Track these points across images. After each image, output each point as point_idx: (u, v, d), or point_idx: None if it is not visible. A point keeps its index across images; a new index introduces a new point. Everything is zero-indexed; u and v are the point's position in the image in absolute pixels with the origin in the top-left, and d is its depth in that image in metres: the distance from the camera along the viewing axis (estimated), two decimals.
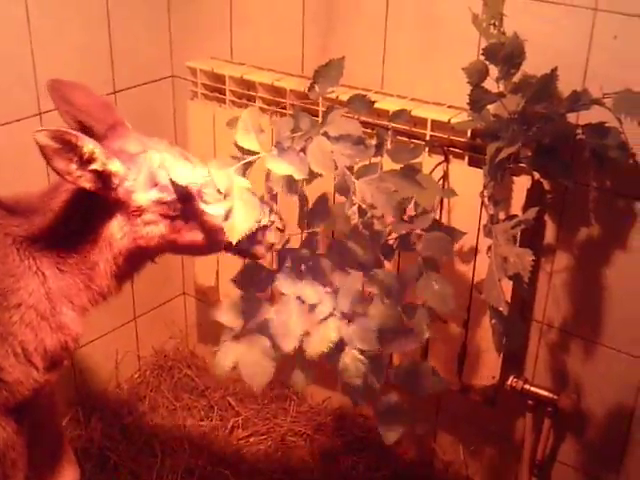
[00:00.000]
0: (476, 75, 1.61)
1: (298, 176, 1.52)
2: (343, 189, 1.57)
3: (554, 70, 1.62)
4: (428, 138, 1.99)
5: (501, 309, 1.57)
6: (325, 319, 1.59)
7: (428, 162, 1.94)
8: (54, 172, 1.49)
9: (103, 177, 1.51)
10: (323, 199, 1.65)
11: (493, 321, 1.62)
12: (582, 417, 2.11)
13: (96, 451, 2.45)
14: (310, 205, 1.66)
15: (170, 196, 1.56)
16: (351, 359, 1.58)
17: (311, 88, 1.68)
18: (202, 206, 1.57)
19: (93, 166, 1.49)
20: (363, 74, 2.17)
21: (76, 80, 1.69)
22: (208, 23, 2.46)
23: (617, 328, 1.99)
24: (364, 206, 1.55)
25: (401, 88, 2.13)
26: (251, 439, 2.56)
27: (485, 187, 1.77)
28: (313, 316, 1.60)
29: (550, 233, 2.02)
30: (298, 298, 1.60)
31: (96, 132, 1.60)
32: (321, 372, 1.62)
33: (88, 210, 1.58)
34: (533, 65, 1.71)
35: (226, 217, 1.48)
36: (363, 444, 2.52)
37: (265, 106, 2.27)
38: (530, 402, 2.14)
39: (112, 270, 1.62)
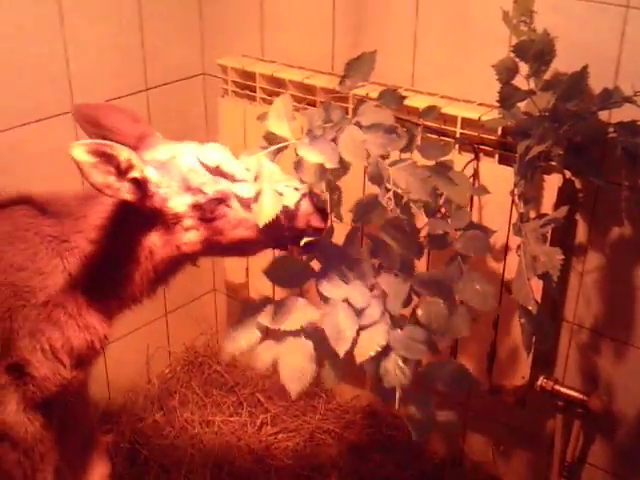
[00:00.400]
0: (506, 72, 1.60)
1: (329, 165, 1.51)
2: (376, 178, 1.54)
3: (585, 67, 1.60)
4: (458, 135, 1.98)
5: (530, 308, 1.56)
6: (374, 323, 1.58)
7: (458, 160, 1.93)
8: (93, 188, 1.48)
9: (141, 186, 1.51)
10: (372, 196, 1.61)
11: (522, 320, 1.61)
12: (612, 419, 2.09)
13: (127, 445, 2.48)
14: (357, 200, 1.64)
15: (205, 197, 1.55)
16: (393, 365, 1.56)
17: (342, 81, 1.68)
18: (224, 211, 1.56)
19: (132, 174, 1.49)
20: (393, 71, 2.17)
21: (106, 103, 1.75)
22: (239, 21, 2.47)
23: None
24: (399, 191, 1.53)
25: (431, 85, 2.12)
26: (280, 436, 2.57)
27: (515, 185, 1.76)
28: (361, 320, 1.58)
29: (581, 232, 2.00)
30: (345, 301, 1.57)
31: (126, 146, 1.59)
32: (350, 370, 1.62)
33: (125, 222, 1.58)
34: (564, 62, 1.70)
35: (255, 199, 1.49)
36: (392, 442, 2.52)
37: (296, 103, 2.26)
38: (560, 403, 2.12)
39: (149, 279, 1.62)
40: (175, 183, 1.55)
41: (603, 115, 1.77)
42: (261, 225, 1.47)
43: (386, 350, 1.55)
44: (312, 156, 1.52)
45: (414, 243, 1.57)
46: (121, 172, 1.48)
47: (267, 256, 2.30)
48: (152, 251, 1.58)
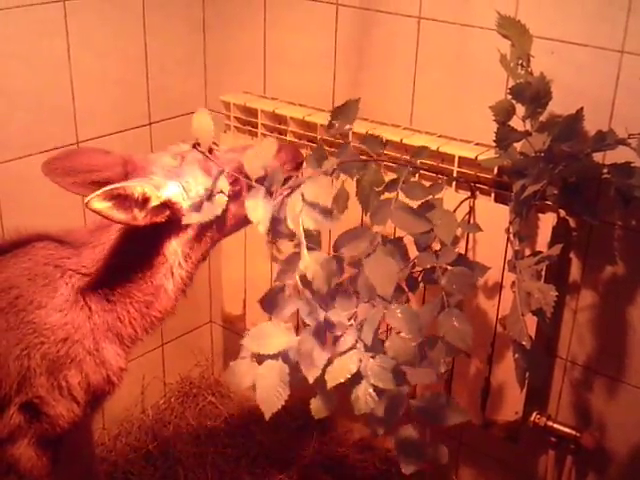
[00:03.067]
0: (503, 113, 1.64)
1: (260, 228, 1.54)
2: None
3: (580, 110, 1.65)
4: (455, 174, 2.03)
5: (524, 344, 1.59)
6: (347, 350, 1.62)
7: (455, 198, 1.96)
8: (124, 225, 1.53)
9: (165, 205, 1.56)
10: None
11: (516, 356, 1.64)
12: (605, 456, 2.11)
13: (120, 475, 2.48)
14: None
15: (229, 175, 1.60)
16: (363, 393, 1.61)
17: (330, 126, 1.72)
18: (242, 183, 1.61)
19: (151, 204, 1.53)
20: (393, 110, 2.22)
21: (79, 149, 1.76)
22: (242, 58, 2.53)
23: None
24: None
25: (430, 125, 2.17)
26: (273, 468, 2.57)
27: (511, 223, 1.80)
28: (336, 347, 1.63)
29: (575, 270, 2.04)
30: (322, 328, 1.62)
31: (114, 179, 1.60)
32: (344, 403, 1.64)
33: (150, 236, 1.60)
34: (560, 105, 1.75)
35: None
36: (385, 477, 2.53)
37: (296, 140, 2.32)
38: (553, 439, 2.14)
39: (182, 287, 1.66)
40: (201, 177, 1.59)
41: (597, 157, 1.82)
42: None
43: (357, 378, 1.59)
44: (255, 212, 1.54)
45: (391, 279, 1.61)
46: (141, 204, 1.52)
47: (264, 289, 2.35)
48: (189, 252, 1.63)
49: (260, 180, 1.57)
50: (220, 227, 1.65)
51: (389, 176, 1.91)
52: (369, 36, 2.23)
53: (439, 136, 2.13)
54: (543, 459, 2.23)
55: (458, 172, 2.03)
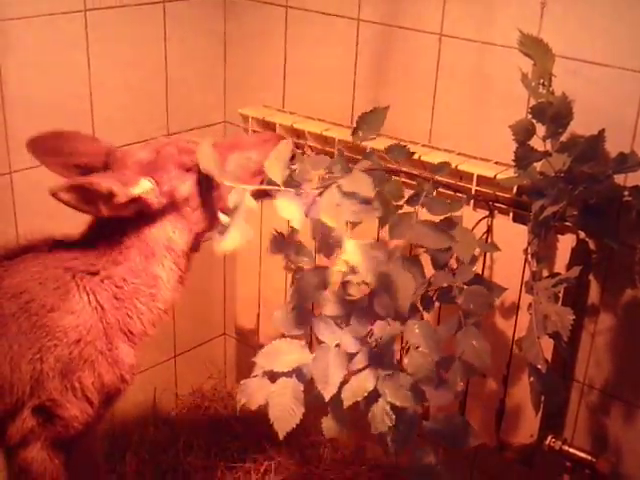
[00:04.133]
0: (523, 133, 1.63)
1: (295, 224, 1.52)
2: (326, 249, 1.58)
3: (601, 131, 1.63)
4: (474, 192, 2.01)
5: (539, 367, 1.57)
6: (363, 369, 1.60)
7: (473, 216, 1.95)
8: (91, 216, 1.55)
9: (134, 200, 1.56)
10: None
11: (532, 379, 1.61)
12: None
13: None
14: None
15: (201, 172, 1.59)
16: (380, 411, 1.58)
17: (355, 132, 1.72)
18: None
19: (117, 200, 1.53)
20: (411, 127, 2.21)
21: (60, 129, 1.72)
22: (262, 72, 2.52)
23: None
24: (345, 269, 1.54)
25: (449, 142, 2.15)
26: None
27: (529, 244, 1.78)
28: (351, 365, 1.61)
29: (594, 293, 2.01)
30: (337, 346, 1.61)
31: (95, 167, 1.63)
32: (356, 421, 1.62)
33: (134, 227, 1.61)
34: (581, 125, 1.73)
35: (222, 232, 1.50)
36: None
37: (314, 154, 2.31)
38: (568, 463, 2.11)
39: (177, 276, 1.66)
40: (174, 172, 1.60)
41: (619, 178, 1.80)
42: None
43: (374, 396, 1.57)
44: (286, 210, 1.52)
45: (406, 299, 1.58)
46: (107, 198, 1.52)
47: (279, 303, 2.33)
48: (170, 244, 1.63)
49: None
50: (195, 219, 1.64)
51: (407, 192, 1.91)
52: (390, 52, 2.22)
53: (458, 154, 2.11)
54: None
55: (476, 191, 2.01)
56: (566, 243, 1.90)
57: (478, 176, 2.00)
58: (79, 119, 2.26)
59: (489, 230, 2.00)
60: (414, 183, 1.97)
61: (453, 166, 2.02)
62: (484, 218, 1.99)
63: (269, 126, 2.39)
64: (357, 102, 2.31)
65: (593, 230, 1.86)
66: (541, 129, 1.69)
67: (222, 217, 1.64)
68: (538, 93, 1.69)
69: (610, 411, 2.05)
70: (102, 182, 1.52)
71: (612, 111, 1.86)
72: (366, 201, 1.53)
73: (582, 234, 1.92)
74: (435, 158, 2.07)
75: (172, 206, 1.61)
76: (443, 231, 1.64)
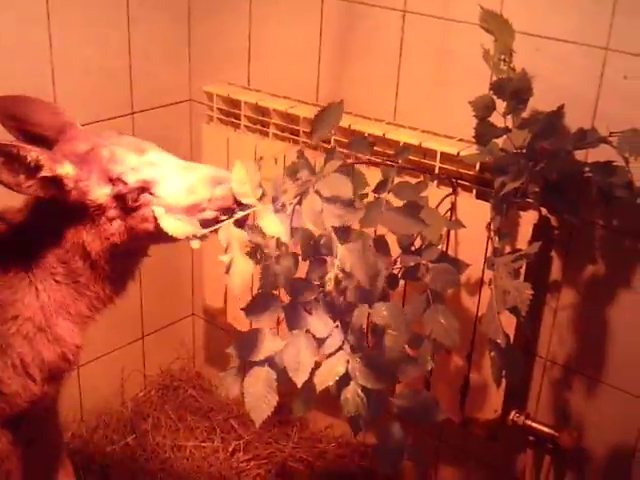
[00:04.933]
0: (482, 109, 1.63)
1: (284, 238, 1.49)
2: (328, 249, 1.56)
3: (560, 107, 1.64)
4: (437, 170, 2.01)
5: (499, 342, 1.58)
6: (334, 353, 1.60)
7: (437, 194, 1.95)
8: (3, 186, 1.48)
9: (55, 182, 1.50)
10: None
11: (492, 354, 1.62)
12: (583, 455, 2.10)
13: (97, 468, 2.46)
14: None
15: (127, 188, 1.53)
16: (352, 394, 1.59)
17: (313, 132, 1.69)
18: (147, 199, 1.55)
19: (41, 173, 1.48)
20: (376, 104, 2.20)
21: (27, 94, 1.68)
22: (227, 50, 2.50)
23: (620, 367, 1.98)
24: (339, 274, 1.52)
25: (413, 120, 2.15)
26: (252, 463, 2.56)
27: (491, 220, 1.79)
28: (322, 349, 1.61)
29: (556, 269, 2.02)
30: (307, 331, 1.60)
31: (47, 139, 1.59)
32: (324, 399, 1.63)
33: (57, 219, 1.57)
34: (543, 102, 1.73)
35: (227, 270, 1.48)
36: (364, 473, 2.52)
37: (279, 132, 2.30)
38: (531, 438, 2.13)
39: (99, 274, 1.60)
40: (95, 175, 1.54)
41: (580, 155, 1.81)
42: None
43: (346, 379, 1.57)
44: (273, 227, 1.49)
45: (374, 281, 1.58)
46: (30, 171, 1.47)
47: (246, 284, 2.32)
48: (84, 246, 1.57)
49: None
50: (112, 230, 1.57)
51: (371, 172, 1.91)
52: (354, 29, 2.21)
53: (422, 131, 2.11)
54: (522, 458, 2.22)
55: (440, 168, 2.01)
56: (528, 220, 1.91)
57: (442, 153, 2.00)
58: (41, 96, 2.20)
59: (453, 207, 2.01)
60: (378, 161, 1.98)
61: (417, 143, 2.03)
62: (448, 196, 2.00)
63: (234, 104, 2.37)
64: (322, 79, 2.30)
65: (554, 206, 1.87)
66: (502, 105, 1.69)
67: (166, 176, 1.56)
68: (499, 69, 1.68)
69: (572, 386, 2.08)
70: (32, 150, 1.47)
71: (574, 88, 1.87)
72: (348, 203, 1.52)
73: (544, 211, 1.93)
74: (399, 136, 2.07)
75: (85, 210, 1.55)
76: (413, 216, 1.62)
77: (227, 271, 1.47)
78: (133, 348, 2.78)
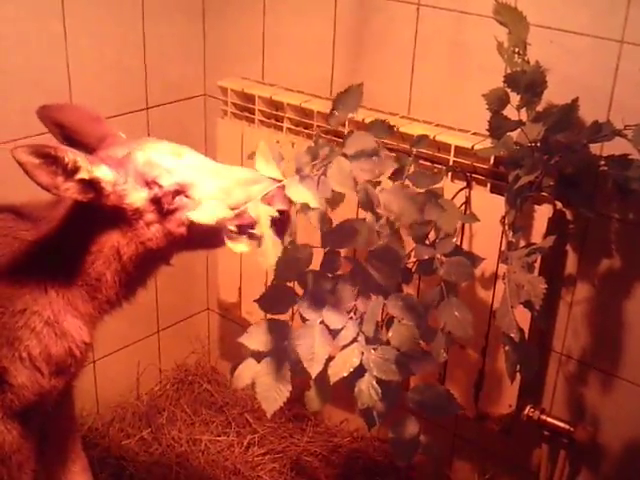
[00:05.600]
0: (496, 102, 1.62)
1: (313, 204, 1.50)
2: (366, 204, 1.56)
3: (575, 100, 1.63)
4: (452, 163, 2.00)
5: (513, 336, 1.57)
6: (349, 344, 1.60)
7: (451, 188, 1.94)
8: (41, 188, 1.48)
9: (93, 186, 1.51)
10: (348, 221, 1.63)
11: (506, 348, 1.62)
12: (598, 450, 2.09)
13: (112, 461, 2.48)
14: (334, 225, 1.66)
15: (162, 191, 1.54)
16: (366, 386, 1.58)
17: (331, 114, 1.69)
18: (183, 202, 1.55)
19: (79, 175, 1.49)
20: (391, 98, 2.20)
21: (69, 102, 1.76)
22: (241, 45, 2.50)
23: (635, 361, 1.97)
24: (391, 218, 1.54)
25: (427, 113, 2.14)
26: (266, 457, 2.56)
27: (506, 214, 1.78)
28: (336, 341, 1.61)
29: (571, 263, 2.01)
30: (322, 323, 1.60)
31: (89, 146, 1.61)
32: (339, 394, 1.63)
33: (89, 221, 1.58)
34: (558, 95, 1.72)
35: (259, 244, 1.48)
36: (379, 468, 2.52)
37: (293, 126, 2.30)
38: (546, 433, 2.12)
39: (121, 279, 1.62)
40: (132, 179, 1.55)
41: (596, 148, 1.79)
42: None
43: (360, 371, 1.57)
44: (302, 195, 1.51)
45: (396, 272, 1.58)
46: (68, 173, 1.48)
47: (260, 276, 2.33)
48: (118, 250, 1.58)
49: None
50: (149, 235, 1.58)
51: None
52: (368, 23, 2.20)
53: (436, 125, 2.11)
54: (537, 452, 2.21)
55: (454, 161, 2.00)
56: (543, 213, 1.90)
57: (456, 147, 2.00)
58: (56, 91, 2.24)
59: (467, 201, 2.01)
60: (393, 155, 1.98)
61: (431, 137, 2.02)
62: (462, 189, 1.99)
63: (248, 98, 2.37)
64: (336, 73, 2.30)
65: (569, 200, 1.86)
66: (516, 99, 1.68)
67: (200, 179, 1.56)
68: (513, 62, 1.68)
69: (588, 380, 2.07)
70: (69, 151, 1.49)
71: (589, 81, 1.85)
72: (373, 153, 1.52)
73: (559, 204, 1.92)
74: (413, 130, 2.06)
75: (123, 214, 1.56)
76: (432, 202, 1.62)
77: (259, 245, 1.46)
78: (149, 342, 2.79)
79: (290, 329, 1.61)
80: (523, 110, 1.69)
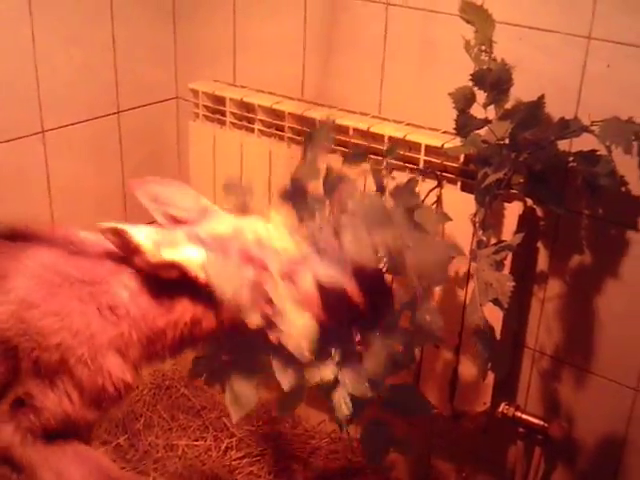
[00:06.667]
0: (462, 100, 1.63)
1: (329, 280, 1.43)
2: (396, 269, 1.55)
3: (541, 97, 1.63)
4: (422, 163, 2.01)
5: (483, 334, 1.57)
6: (323, 360, 1.59)
7: (422, 187, 1.95)
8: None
9: (175, 266, 1.42)
10: None
11: (477, 346, 1.62)
12: (573, 446, 2.10)
13: None
14: None
15: (268, 274, 1.43)
16: (339, 399, 1.58)
17: (304, 155, 1.68)
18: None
19: (144, 259, 1.40)
20: (361, 98, 2.20)
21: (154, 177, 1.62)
22: (212, 47, 2.50)
23: (608, 357, 1.98)
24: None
25: (398, 113, 2.14)
26: (244, 460, 2.55)
27: (476, 212, 1.78)
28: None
29: (543, 260, 2.02)
30: None
31: (187, 221, 1.52)
32: (316, 396, 1.62)
33: (174, 285, 1.46)
34: (527, 92, 1.72)
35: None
36: (357, 469, 2.51)
37: (265, 128, 2.29)
38: (521, 429, 2.13)
39: (183, 343, 1.51)
40: (234, 258, 1.44)
41: (565, 145, 1.80)
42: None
43: (334, 384, 1.57)
44: (327, 274, 1.43)
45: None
46: (137, 253, 1.41)
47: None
48: (197, 322, 1.48)
49: None
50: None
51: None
52: (338, 23, 2.20)
53: (407, 124, 2.11)
54: (512, 450, 2.22)
55: (425, 161, 2.01)
56: (513, 211, 1.90)
57: (426, 146, 2.00)
58: (25, 95, 2.23)
59: (439, 200, 2.01)
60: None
61: (402, 136, 2.02)
62: (433, 189, 1.99)
63: (219, 101, 2.36)
64: (307, 74, 2.30)
65: (539, 197, 1.86)
66: (483, 97, 1.68)
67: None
68: (480, 60, 1.68)
69: (561, 376, 2.08)
70: (133, 235, 1.39)
71: (557, 77, 1.86)
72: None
73: (529, 201, 1.93)
74: (385, 130, 2.07)
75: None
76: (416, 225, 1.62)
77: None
78: None
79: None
80: (491, 108, 1.69)
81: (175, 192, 1.58)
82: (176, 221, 1.52)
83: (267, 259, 1.45)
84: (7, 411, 1.50)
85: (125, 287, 1.49)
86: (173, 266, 1.43)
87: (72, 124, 2.35)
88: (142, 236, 1.42)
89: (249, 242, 1.46)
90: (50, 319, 1.46)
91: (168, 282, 1.46)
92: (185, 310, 1.49)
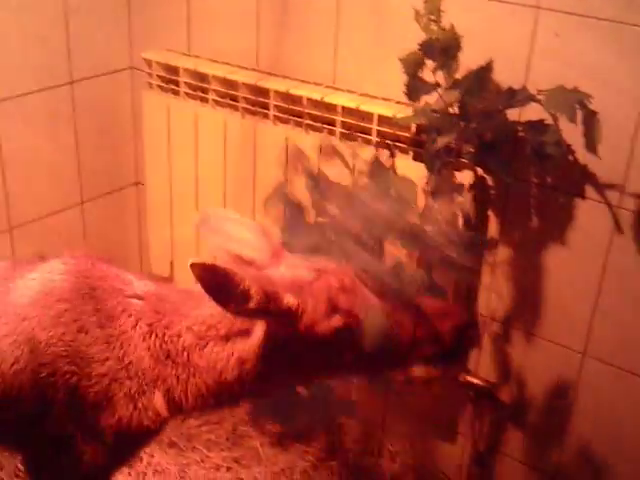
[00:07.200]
0: (412, 65, 1.64)
1: None
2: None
3: (489, 63, 1.65)
4: (375, 133, 2.03)
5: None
6: None
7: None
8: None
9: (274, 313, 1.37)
10: None
11: None
12: (522, 409, 2.15)
13: None
14: None
15: (356, 320, 1.40)
16: None
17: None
18: None
19: (251, 305, 1.32)
20: (316, 68, 2.20)
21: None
22: (167, 15, 2.48)
23: (556, 321, 2.03)
24: None
25: (352, 83, 2.15)
26: (202, 428, 2.57)
27: (427, 180, 1.81)
28: None
29: (493, 228, 2.06)
30: None
31: (257, 262, 1.47)
32: None
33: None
34: (477, 62, 1.74)
35: None
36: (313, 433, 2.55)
37: (219, 98, 2.29)
38: (471, 393, 2.18)
39: (246, 389, 1.46)
40: (322, 306, 1.40)
41: (515, 114, 1.83)
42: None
43: None
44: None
45: None
46: (240, 300, 1.32)
47: (193, 251, 2.33)
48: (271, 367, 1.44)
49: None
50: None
51: (311, 136, 1.92)
52: None
53: (360, 94, 2.12)
54: (463, 413, 2.27)
55: (378, 131, 2.03)
56: (464, 180, 1.93)
57: (379, 116, 2.02)
58: None
59: (392, 169, 2.03)
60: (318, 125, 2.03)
61: (355, 107, 2.04)
62: (387, 158, 2.01)
63: (173, 71, 2.35)
64: (261, 44, 2.30)
65: (489, 166, 1.90)
66: (432, 65, 1.70)
67: None
68: (430, 29, 1.70)
69: (511, 341, 2.12)
70: (246, 279, 1.31)
71: (507, 47, 1.88)
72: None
73: (480, 170, 1.96)
74: (338, 100, 2.08)
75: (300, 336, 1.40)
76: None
77: None
78: None
79: None
80: (441, 75, 1.71)
81: (243, 229, 1.50)
82: (243, 261, 1.45)
83: (353, 307, 1.41)
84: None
85: (189, 330, 1.42)
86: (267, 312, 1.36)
87: (24, 94, 2.33)
88: (251, 282, 1.32)
89: (332, 287, 1.41)
90: (97, 347, 1.39)
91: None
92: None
